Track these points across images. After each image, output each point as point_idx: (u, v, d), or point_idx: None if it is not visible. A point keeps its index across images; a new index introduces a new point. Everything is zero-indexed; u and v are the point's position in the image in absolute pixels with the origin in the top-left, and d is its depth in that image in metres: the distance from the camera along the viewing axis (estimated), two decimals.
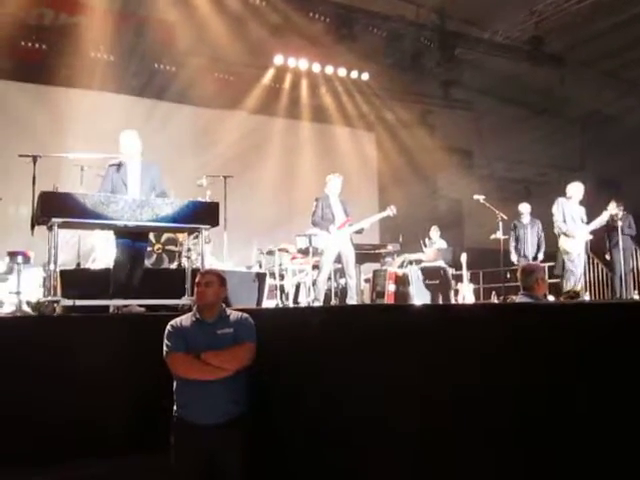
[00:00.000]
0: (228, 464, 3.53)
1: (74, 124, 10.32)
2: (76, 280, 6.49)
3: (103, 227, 5.61)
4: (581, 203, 8.23)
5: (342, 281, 8.10)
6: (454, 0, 11.25)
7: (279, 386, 3.75)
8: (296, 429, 3.61)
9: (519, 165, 15.13)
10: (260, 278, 8.19)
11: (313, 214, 7.53)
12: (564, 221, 8.02)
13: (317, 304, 7.25)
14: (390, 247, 9.94)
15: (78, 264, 7.60)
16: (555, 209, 8.18)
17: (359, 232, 7.66)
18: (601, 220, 8.16)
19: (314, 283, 7.78)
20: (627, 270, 9.36)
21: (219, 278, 3.77)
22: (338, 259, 7.55)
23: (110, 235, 5.96)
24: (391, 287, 9.54)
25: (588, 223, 8.11)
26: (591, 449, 2.17)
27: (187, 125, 11.56)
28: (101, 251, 7.91)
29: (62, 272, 6.00)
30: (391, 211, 7.88)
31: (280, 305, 8.31)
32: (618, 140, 13.98)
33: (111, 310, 5.46)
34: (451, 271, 9.92)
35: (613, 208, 8.30)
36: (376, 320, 3.28)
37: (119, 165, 5.61)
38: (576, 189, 8.20)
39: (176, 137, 11.05)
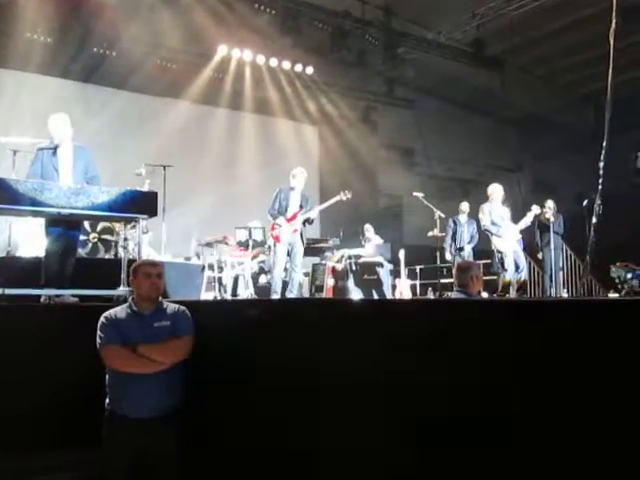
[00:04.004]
0: (161, 458, 3.48)
1: (7, 106, 9.95)
2: (6, 268, 6.27)
3: (36, 214, 5.43)
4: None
5: (282, 274, 8.09)
6: None
7: (215, 379, 3.72)
8: (231, 422, 3.60)
9: (458, 164, 15.44)
10: (199, 270, 8.12)
11: (271, 205, 7.54)
12: (493, 223, 8.23)
13: (275, 296, 7.23)
14: (330, 242, 10.00)
15: (8, 252, 7.34)
16: (481, 215, 8.41)
17: (310, 222, 7.65)
18: (526, 221, 8.39)
19: (253, 276, 7.75)
20: (557, 269, 9.69)
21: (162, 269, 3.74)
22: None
23: (43, 222, 5.76)
24: (330, 281, 9.62)
25: (515, 222, 8.35)
26: (523, 450, 2.24)
27: (126, 112, 11.27)
28: (34, 238, 7.66)
29: None
30: (344, 195, 7.84)
31: (218, 297, 8.26)
32: (553, 143, 14.45)
33: (42, 300, 5.30)
34: (389, 267, 10.05)
35: (537, 209, 8.55)
36: (314, 314, 3.29)
37: (50, 149, 5.44)
38: (496, 189, 8.45)
39: (115, 124, 10.77)
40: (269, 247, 8.01)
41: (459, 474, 2.42)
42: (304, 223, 7.56)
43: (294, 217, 7.44)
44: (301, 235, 7.52)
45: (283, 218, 7.40)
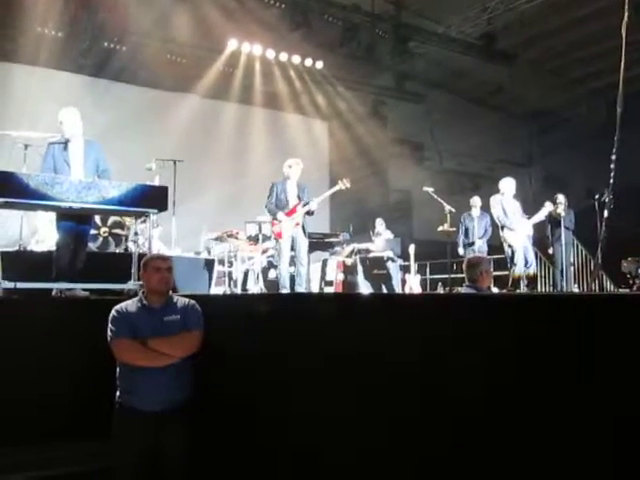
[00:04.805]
0: (169, 452, 3.50)
1: (18, 101, 10.00)
2: (17, 262, 6.30)
3: (47, 208, 5.45)
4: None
5: (291, 269, 8.07)
6: None
7: (224, 373, 3.74)
8: (239, 417, 3.61)
9: (468, 159, 15.37)
10: (209, 264, 8.14)
11: (268, 200, 7.31)
12: (505, 215, 8.19)
13: (284, 291, 7.15)
14: (340, 236, 9.99)
15: (20, 245, 7.39)
16: (493, 207, 8.36)
17: (310, 214, 7.38)
18: (540, 216, 8.37)
19: (263, 271, 7.70)
20: (568, 264, 9.63)
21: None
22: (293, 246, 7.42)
23: (54, 216, 5.79)
24: (339, 276, 9.62)
25: (529, 217, 8.32)
26: (529, 448, 2.22)
27: (137, 106, 11.30)
28: (45, 232, 7.71)
29: (2, 253, 5.81)
30: (343, 184, 7.58)
31: (228, 292, 8.27)
32: (564, 137, 14.37)
33: (54, 293, 5.33)
34: (399, 262, 10.04)
35: (550, 206, 8.51)
36: (323, 308, 3.29)
37: (61, 144, 5.47)
38: (508, 184, 8.38)
39: (125, 118, 10.79)
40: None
41: (463, 474, 2.42)
42: (304, 215, 7.38)
43: (294, 210, 7.25)
44: (303, 228, 7.31)
45: (282, 213, 7.15)
